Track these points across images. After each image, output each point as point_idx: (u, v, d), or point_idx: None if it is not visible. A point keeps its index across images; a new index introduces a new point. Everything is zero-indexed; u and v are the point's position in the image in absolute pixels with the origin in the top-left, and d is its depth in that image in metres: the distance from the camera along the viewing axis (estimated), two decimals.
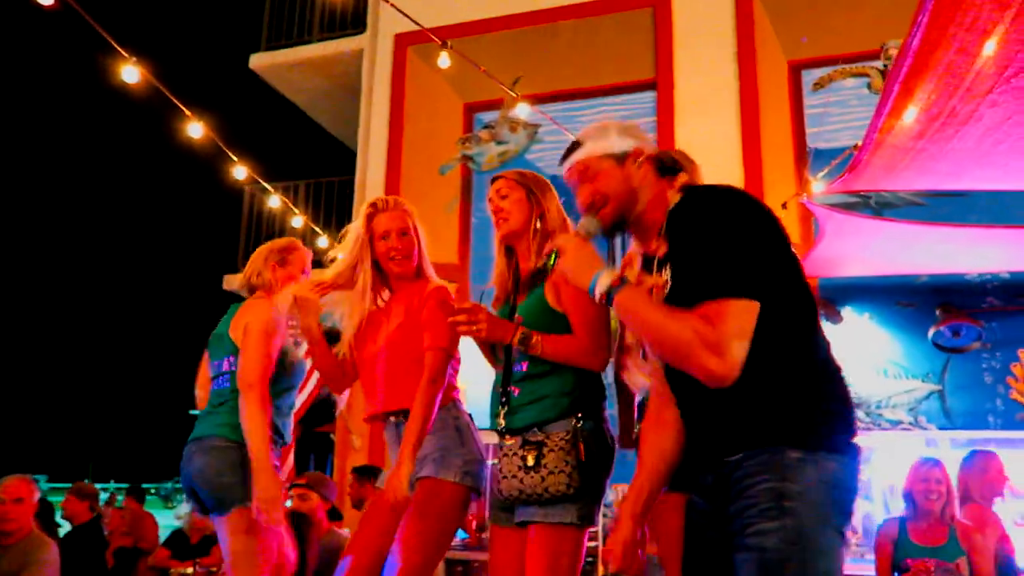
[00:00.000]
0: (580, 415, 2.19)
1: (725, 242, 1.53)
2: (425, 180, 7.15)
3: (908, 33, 2.10)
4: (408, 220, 2.61)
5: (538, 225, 2.36)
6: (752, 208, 1.59)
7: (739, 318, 1.50)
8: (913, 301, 5.85)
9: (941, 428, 5.68)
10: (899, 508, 5.71)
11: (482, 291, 2.20)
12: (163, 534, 6.56)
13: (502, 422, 2.27)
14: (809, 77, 6.57)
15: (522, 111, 5.77)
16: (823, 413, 1.52)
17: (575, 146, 1.85)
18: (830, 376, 1.57)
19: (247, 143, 5.52)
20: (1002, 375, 5.67)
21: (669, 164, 1.80)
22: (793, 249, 1.61)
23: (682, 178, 1.79)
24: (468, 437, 2.43)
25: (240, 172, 4.85)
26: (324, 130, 9.41)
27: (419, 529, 2.25)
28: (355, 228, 2.61)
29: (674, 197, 1.71)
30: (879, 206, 5.91)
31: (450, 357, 2.48)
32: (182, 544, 5.55)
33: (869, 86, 6.31)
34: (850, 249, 4.69)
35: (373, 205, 2.62)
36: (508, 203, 2.40)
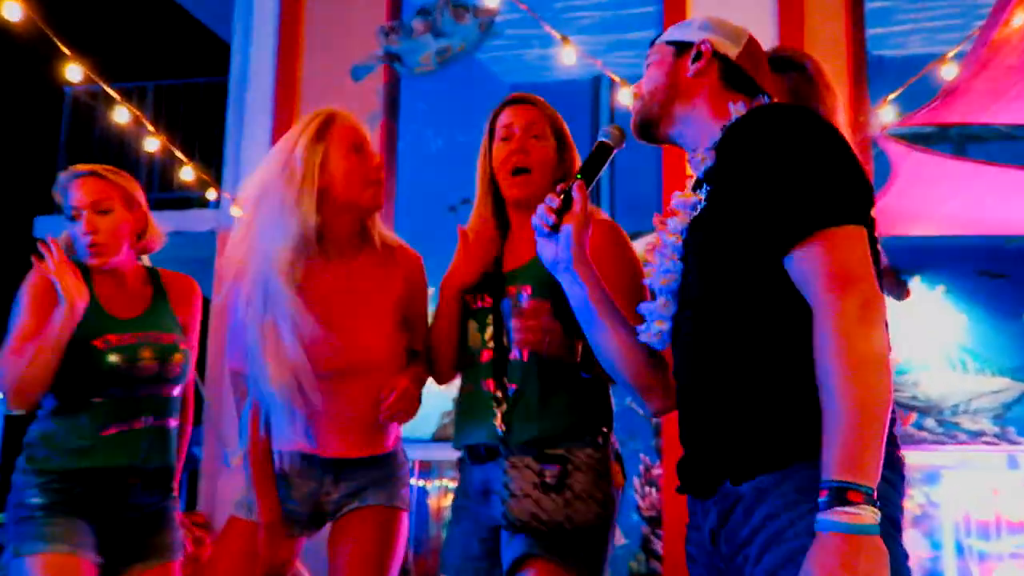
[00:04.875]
0: (604, 429, 2.42)
1: (802, 169, 1.64)
2: (333, 86, 7.02)
3: None
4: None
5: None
6: (845, 145, 1.69)
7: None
8: (1002, 271, 6.02)
9: None
10: (979, 551, 5.92)
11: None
12: None
13: (500, 425, 2.37)
14: None
15: None
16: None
17: (659, 35, 2.02)
18: None
19: (71, 28, 5.35)
20: None
21: (746, 76, 1.90)
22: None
23: (762, 101, 1.86)
24: None
25: (74, 72, 4.67)
26: (185, 11, 9.18)
27: None
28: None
29: (738, 111, 1.83)
30: (962, 139, 6.04)
31: None
32: None
33: None
34: (926, 200, 4.80)
35: None
36: (540, 149, 2.46)
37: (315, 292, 2.46)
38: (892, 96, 4.95)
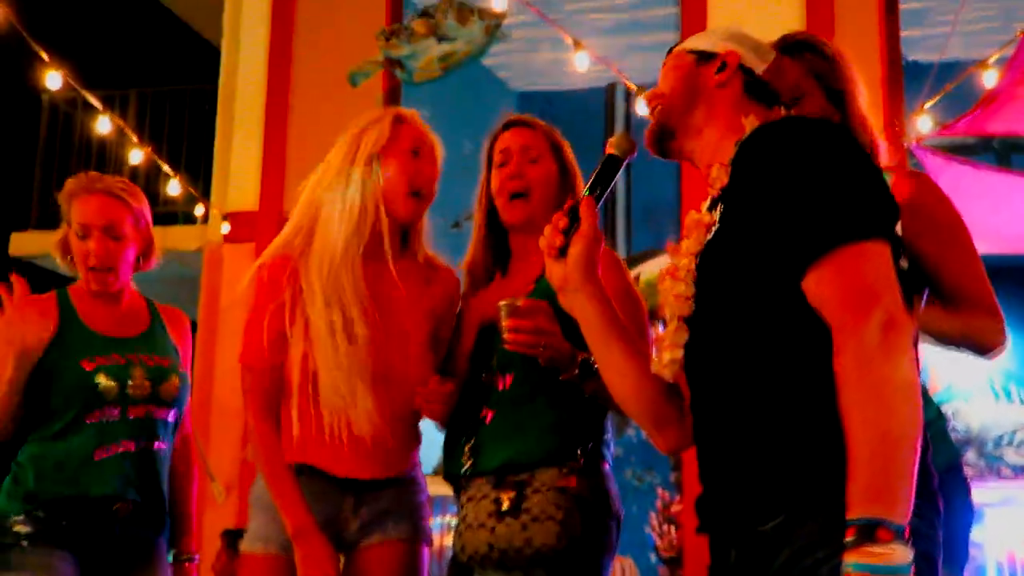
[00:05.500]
0: (579, 451, 2.35)
1: (818, 182, 1.63)
2: (329, 93, 7.05)
3: None
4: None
5: None
6: (864, 155, 1.69)
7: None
8: None
9: None
10: None
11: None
12: None
13: (467, 461, 2.40)
14: None
15: None
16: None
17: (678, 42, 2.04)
18: None
19: (49, 31, 5.37)
20: None
21: (770, 88, 1.92)
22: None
23: (781, 112, 1.88)
24: None
25: (52, 79, 4.70)
26: (168, 10, 9.22)
27: None
28: None
29: (752, 124, 1.82)
30: (1006, 150, 6.02)
31: None
32: None
33: None
34: (967, 215, 4.76)
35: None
36: (537, 172, 2.51)
37: None
38: (929, 103, 4.94)
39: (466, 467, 2.40)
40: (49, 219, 7.76)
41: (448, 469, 2.51)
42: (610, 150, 1.92)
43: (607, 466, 2.44)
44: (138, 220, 2.83)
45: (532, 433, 2.36)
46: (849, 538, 1.46)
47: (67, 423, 2.73)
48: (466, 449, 2.42)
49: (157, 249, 2.96)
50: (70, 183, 2.83)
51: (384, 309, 2.52)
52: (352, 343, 2.43)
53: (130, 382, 2.75)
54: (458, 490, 2.47)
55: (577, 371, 2.25)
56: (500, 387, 2.41)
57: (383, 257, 2.54)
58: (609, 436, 2.48)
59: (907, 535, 1.45)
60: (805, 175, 1.63)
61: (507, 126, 2.60)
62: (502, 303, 2.25)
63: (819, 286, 1.59)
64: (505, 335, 2.23)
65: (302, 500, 2.42)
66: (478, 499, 2.35)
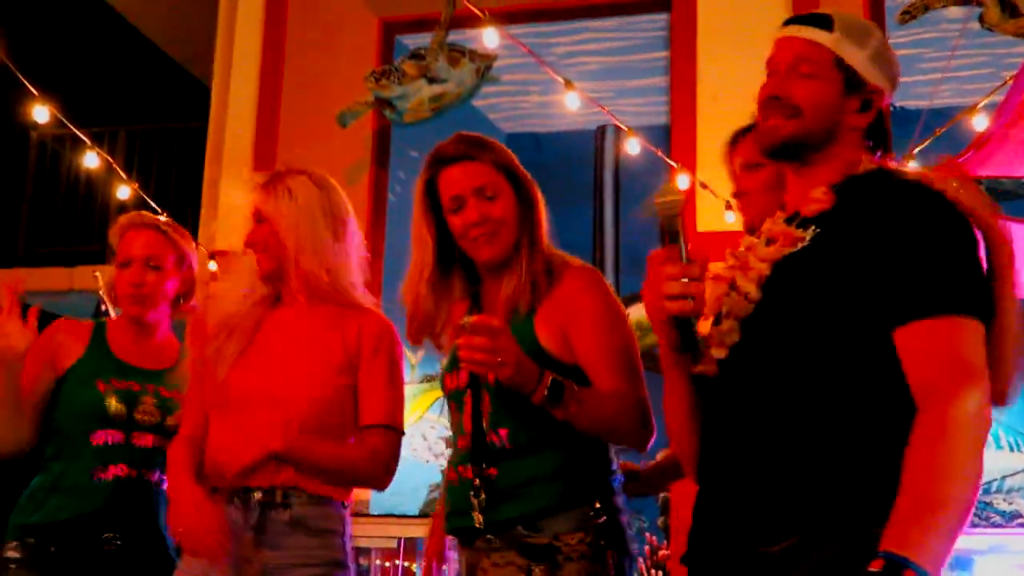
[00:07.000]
0: (597, 504, 2.31)
1: (950, 251, 1.70)
2: (318, 133, 7.06)
3: None
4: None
5: (528, 246, 2.41)
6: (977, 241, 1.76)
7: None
8: None
9: None
10: None
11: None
12: None
13: (479, 517, 2.32)
14: (893, 2, 6.69)
15: (473, 34, 5.72)
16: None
17: (824, 21, 1.90)
18: None
19: (37, 67, 5.38)
20: None
21: (884, 140, 1.95)
22: None
23: (889, 161, 1.95)
24: None
25: (40, 114, 4.69)
26: (158, 49, 9.25)
27: None
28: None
29: (867, 165, 1.88)
30: (994, 195, 6.02)
31: None
32: None
33: (982, 19, 6.44)
34: None
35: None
36: (499, 209, 2.39)
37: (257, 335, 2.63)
38: (918, 148, 4.96)
39: (478, 522, 2.33)
40: (37, 256, 7.74)
41: (457, 523, 2.43)
42: (668, 212, 1.89)
43: (618, 498, 2.42)
44: (181, 258, 2.95)
45: (542, 487, 2.31)
46: (874, 569, 1.49)
47: (71, 441, 2.82)
48: (477, 507, 2.33)
49: (200, 292, 3.06)
50: (121, 219, 2.98)
51: (277, 345, 2.61)
52: (229, 370, 2.55)
53: (139, 407, 2.84)
54: (466, 544, 2.42)
55: (546, 393, 2.16)
56: (498, 444, 2.35)
57: (293, 305, 2.65)
58: (615, 465, 2.46)
59: None
60: (941, 242, 1.70)
61: (446, 162, 2.42)
62: (460, 321, 2.19)
63: (918, 342, 1.65)
64: (458, 353, 2.16)
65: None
66: (503, 565, 2.30)
